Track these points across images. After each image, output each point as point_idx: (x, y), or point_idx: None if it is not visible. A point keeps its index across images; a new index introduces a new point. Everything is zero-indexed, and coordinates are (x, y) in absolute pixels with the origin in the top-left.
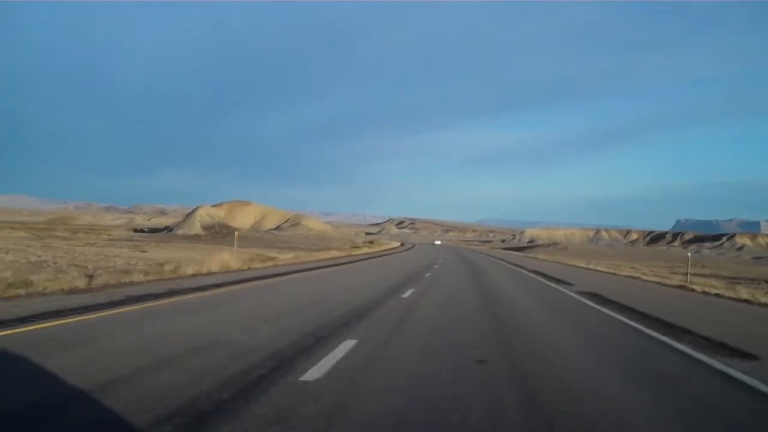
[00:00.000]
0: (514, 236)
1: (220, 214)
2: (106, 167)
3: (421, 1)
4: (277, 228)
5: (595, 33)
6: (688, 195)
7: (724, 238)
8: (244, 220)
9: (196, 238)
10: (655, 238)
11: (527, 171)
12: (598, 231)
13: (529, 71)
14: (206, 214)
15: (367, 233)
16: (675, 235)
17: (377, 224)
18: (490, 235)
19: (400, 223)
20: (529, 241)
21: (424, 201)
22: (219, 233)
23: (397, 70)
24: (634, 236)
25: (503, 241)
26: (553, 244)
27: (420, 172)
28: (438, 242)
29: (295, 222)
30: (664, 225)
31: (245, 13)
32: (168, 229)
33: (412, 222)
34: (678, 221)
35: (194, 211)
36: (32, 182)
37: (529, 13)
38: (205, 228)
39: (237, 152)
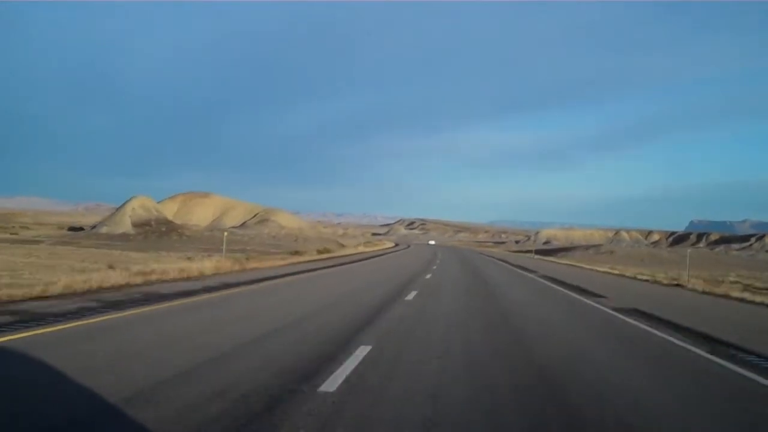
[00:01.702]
0: (528, 237)
1: (171, 207)
2: (120, 169)
3: (433, 1)
4: (242, 225)
5: (603, 33)
6: (699, 196)
7: (753, 239)
8: (202, 214)
9: (122, 238)
10: (678, 239)
11: (539, 172)
12: (617, 232)
13: (537, 72)
14: (140, 206)
15: (374, 234)
16: (699, 236)
17: (387, 225)
18: (503, 236)
19: (410, 224)
20: (545, 242)
21: (436, 202)
22: (155, 231)
23: (405, 70)
24: (656, 237)
25: (517, 242)
26: (593, 247)
27: (431, 173)
28: (432, 242)
29: (263, 218)
30: (678, 225)
31: (247, 12)
32: (92, 227)
33: (423, 222)
34: (692, 222)
35: (125, 204)
36: (47, 184)
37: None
38: (138, 225)
39: (248, 153)
